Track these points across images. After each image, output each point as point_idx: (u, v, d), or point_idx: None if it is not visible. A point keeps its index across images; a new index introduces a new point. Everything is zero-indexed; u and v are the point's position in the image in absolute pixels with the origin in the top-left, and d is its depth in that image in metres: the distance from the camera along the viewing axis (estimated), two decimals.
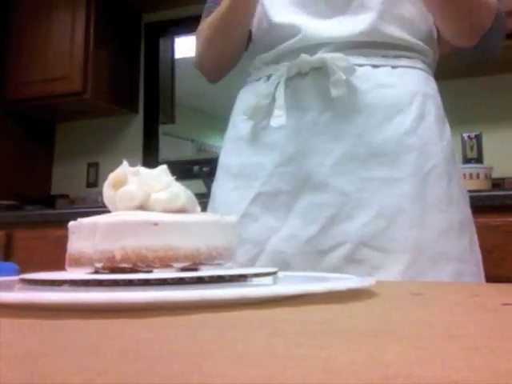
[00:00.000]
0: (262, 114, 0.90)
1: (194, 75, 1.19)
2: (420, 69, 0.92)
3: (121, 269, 0.48)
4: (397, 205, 0.81)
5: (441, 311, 0.42)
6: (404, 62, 0.90)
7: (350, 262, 0.81)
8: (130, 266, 0.48)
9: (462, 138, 2.31)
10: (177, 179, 0.56)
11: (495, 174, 2.15)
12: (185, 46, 3.24)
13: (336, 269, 0.80)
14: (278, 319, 0.37)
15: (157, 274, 0.47)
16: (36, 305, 0.39)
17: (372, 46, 0.88)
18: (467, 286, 0.60)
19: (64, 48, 2.87)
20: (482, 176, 2.05)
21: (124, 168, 0.55)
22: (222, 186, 0.96)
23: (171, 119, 3.12)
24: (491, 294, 0.55)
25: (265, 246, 0.86)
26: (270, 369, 0.22)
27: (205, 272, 0.48)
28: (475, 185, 1.99)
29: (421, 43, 0.92)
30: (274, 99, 0.88)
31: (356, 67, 0.86)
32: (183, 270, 0.49)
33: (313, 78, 0.87)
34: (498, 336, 0.31)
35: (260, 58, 0.95)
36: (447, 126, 0.93)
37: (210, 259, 0.51)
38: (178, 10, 3.02)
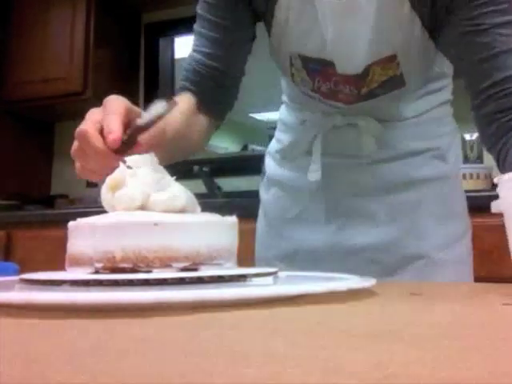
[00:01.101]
0: (297, 157, 1.00)
1: None
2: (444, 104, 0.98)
3: (121, 269, 0.48)
4: (411, 221, 0.94)
5: (441, 311, 0.42)
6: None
7: (372, 263, 0.93)
8: (131, 266, 0.48)
9: (463, 137, 2.30)
10: (177, 179, 0.56)
11: (495, 174, 2.14)
12: (185, 46, 3.24)
13: (359, 267, 0.90)
14: (278, 319, 0.37)
15: (157, 274, 0.47)
16: (36, 305, 0.39)
17: None
18: (467, 286, 0.60)
19: (64, 48, 2.87)
20: (481, 176, 2.05)
21: (121, 170, 0.55)
22: (270, 192, 1.06)
23: None
24: (491, 293, 0.55)
25: (301, 245, 0.98)
26: (270, 369, 0.22)
27: (205, 272, 0.48)
28: (475, 185, 1.99)
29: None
30: (309, 147, 0.96)
31: (386, 121, 0.93)
32: (183, 270, 0.49)
33: (346, 131, 0.95)
34: (497, 336, 0.31)
35: (291, 99, 1.02)
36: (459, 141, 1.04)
37: (210, 259, 0.51)
38: (178, 9, 3.01)
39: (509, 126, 0.73)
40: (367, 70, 0.85)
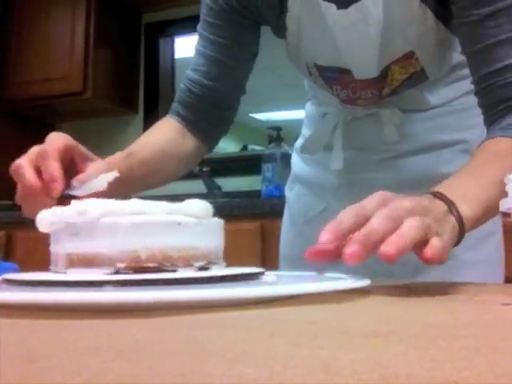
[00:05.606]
0: (318, 150, 0.98)
1: None
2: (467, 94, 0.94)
3: (144, 268, 0.47)
4: None
5: (441, 311, 0.42)
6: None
7: (397, 262, 0.94)
8: (156, 265, 0.47)
9: None
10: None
11: None
12: (185, 46, 3.23)
13: (382, 267, 0.92)
14: (278, 319, 0.37)
15: (163, 275, 0.47)
16: (36, 305, 0.39)
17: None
18: (467, 286, 0.60)
19: (64, 48, 2.87)
20: None
21: None
22: (294, 189, 1.06)
23: None
24: (491, 293, 0.55)
25: None
26: (270, 369, 0.22)
27: (216, 271, 0.49)
28: None
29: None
30: (331, 138, 0.95)
31: (409, 112, 0.91)
32: (201, 268, 0.49)
33: (367, 122, 0.94)
34: (498, 336, 0.31)
35: (312, 95, 1.02)
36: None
37: (218, 259, 0.52)
38: (178, 9, 3.01)
39: (488, 123, 0.72)
40: (385, 71, 0.84)
